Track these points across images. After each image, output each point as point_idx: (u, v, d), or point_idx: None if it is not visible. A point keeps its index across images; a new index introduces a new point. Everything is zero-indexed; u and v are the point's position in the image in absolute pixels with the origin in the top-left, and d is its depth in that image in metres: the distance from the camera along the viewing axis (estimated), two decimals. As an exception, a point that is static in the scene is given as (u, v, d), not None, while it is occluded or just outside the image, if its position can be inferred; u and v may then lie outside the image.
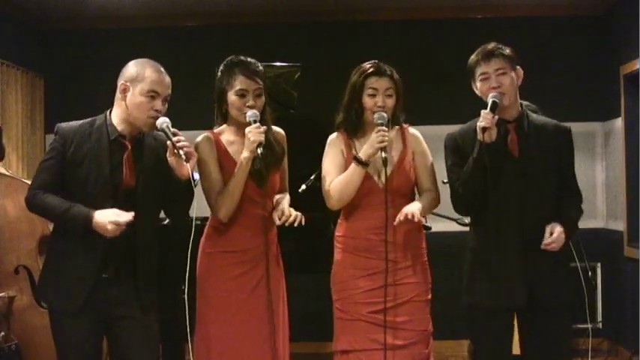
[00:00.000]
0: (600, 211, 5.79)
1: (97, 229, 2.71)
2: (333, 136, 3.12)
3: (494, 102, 2.89)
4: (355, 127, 3.08)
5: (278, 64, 4.51)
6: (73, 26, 5.98)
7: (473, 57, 3.00)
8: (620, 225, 5.55)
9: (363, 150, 2.97)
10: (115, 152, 2.83)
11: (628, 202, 5.43)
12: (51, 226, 3.61)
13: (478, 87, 2.99)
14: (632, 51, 5.17)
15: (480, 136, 2.83)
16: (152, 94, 2.81)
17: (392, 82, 3.04)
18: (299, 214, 2.96)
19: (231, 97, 2.98)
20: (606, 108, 5.78)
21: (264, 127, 2.93)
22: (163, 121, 2.81)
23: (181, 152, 2.75)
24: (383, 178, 2.99)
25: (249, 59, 3.03)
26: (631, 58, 5.26)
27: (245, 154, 2.90)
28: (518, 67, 2.99)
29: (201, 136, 3.02)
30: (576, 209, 3.02)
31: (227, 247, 3.01)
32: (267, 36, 5.92)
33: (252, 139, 2.86)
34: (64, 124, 2.89)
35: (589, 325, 4.39)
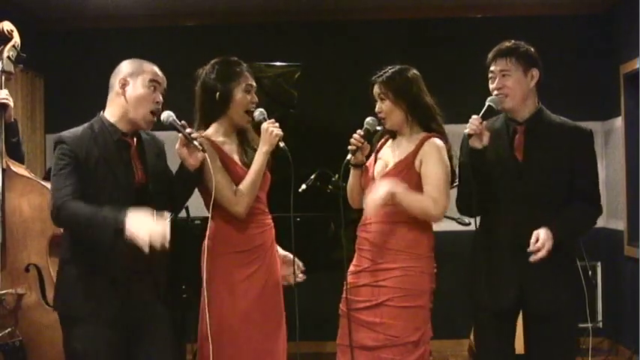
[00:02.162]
0: (600, 211, 5.79)
1: (130, 234, 2.57)
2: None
3: (488, 106, 2.88)
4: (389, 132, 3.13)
5: (278, 63, 4.51)
6: (73, 26, 5.99)
7: (489, 54, 2.98)
8: (620, 224, 5.56)
9: None
10: (121, 151, 2.83)
11: (628, 201, 5.43)
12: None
13: (489, 85, 2.97)
14: (632, 50, 5.17)
15: (469, 140, 2.85)
16: (154, 85, 2.83)
17: (379, 87, 3.04)
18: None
19: (239, 94, 2.99)
20: (606, 107, 5.79)
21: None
22: (168, 115, 2.84)
23: (195, 142, 2.79)
24: (376, 172, 3.05)
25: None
26: (631, 57, 5.27)
27: (265, 147, 2.95)
28: (534, 68, 2.92)
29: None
30: (579, 216, 2.92)
31: (239, 246, 3.01)
32: (267, 36, 5.93)
33: (274, 132, 2.93)
34: (65, 133, 2.81)
35: (589, 325, 4.39)
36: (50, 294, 3.56)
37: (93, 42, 5.89)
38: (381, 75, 3.04)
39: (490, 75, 2.95)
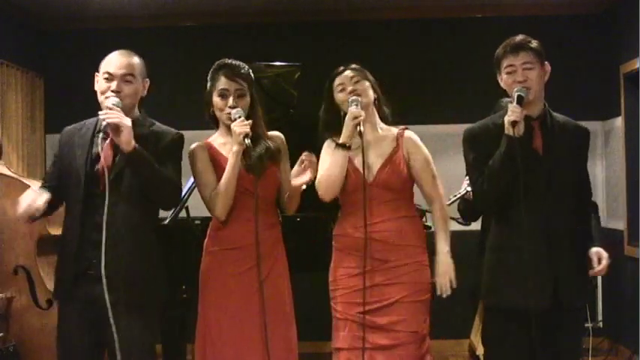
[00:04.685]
0: (600, 211, 5.75)
1: None
2: (327, 141, 3.13)
3: (519, 96, 2.82)
4: (337, 126, 3.06)
5: (278, 64, 4.50)
6: (73, 26, 5.99)
7: (500, 49, 2.93)
8: (620, 224, 5.55)
9: (342, 133, 2.98)
10: (94, 141, 2.85)
11: (628, 201, 5.43)
12: (49, 227, 3.61)
13: (503, 79, 2.92)
14: (632, 50, 5.17)
15: (509, 130, 2.77)
16: (106, 76, 2.86)
17: (354, 72, 3.08)
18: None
19: (215, 98, 3.04)
20: (606, 107, 5.79)
21: (250, 120, 2.96)
22: (109, 103, 2.80)
23: (103, 124, 2.78)
24: (371, 174, 3.01)
25: (234, 62, 3.08)
26: (631, 57, 5.26)
27: (234, 148, 2.94)
28: (546, 62, 2.93)
29: (193, 145, 3.07)
30: (597, 224, 3.05)
31: (229, 244, 3.01)
32: (267, 36, 5.92)
33: (238, 131, 2.91)
34: (66, 127, 2.97)
35: (589, 325, 4.39)
36: (41, 296, 3.53)
37: (93, 42, 5.86)
38: (354, 65, 3.11)
39: (509, 69, 2.88)
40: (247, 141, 2.90)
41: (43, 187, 2.93)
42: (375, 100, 3.10)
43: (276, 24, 5.98)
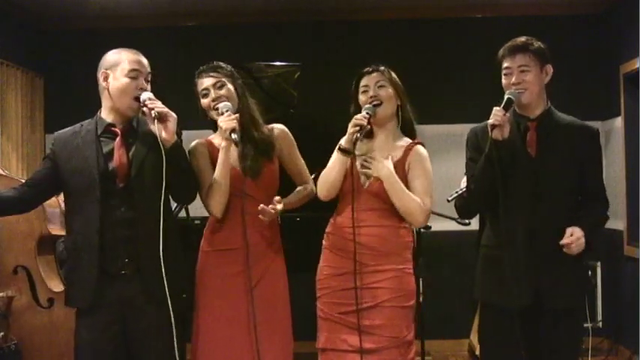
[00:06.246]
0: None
1: None
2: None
3: (508, 99, 2.84)
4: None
5: (278, 63, 4.51)
6: (73, 26, 5.99)
7: (500, 50, 2.95)
8: (620, 224, 5.55)
9: (345, 137, 2.97)
10: (107, 142, 2.84)
11: (628, 201, 5.43)
12: (50, 227, 3.62)
13: (502, 81, 2.94)
14: (632, 50, 5.17)
15: (490, 132, 2.80)
16: (134, 74, 2.83)
17: (381, 75, 3.05)
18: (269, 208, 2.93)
19: (202, 101, 3.04)
20: (606, 107, 5.79)
21: (237, 115, 2.95)
22: (146, 96, 2.81)
23: (153, 113, 2.74)
24: (368, 181, 2.99)
25: (209, 64, 3.08)
26: (631, 57, 5.27)
27: (222, 143, 2.94)
28: (548, 64, 2.94)
29: (193, 142, 3.08)
30: (596, 215, 2.96)
31: (223, 245, 3.01)
32: (267, 36, 5.93)
33: (224, 126, 2.90)
34: (58, 132, 2.93)
35: (589, 325, 4.38)
36: (42, 295, 3.54)
37: (93, 42, 5.84)
38: (383, 67, 3.07)
39: (506, 71, 2.91)
40: (234, 136, 2.88)
41: (22, 185, 2.91)
42: (398, 107, 3.07)
43: (276, 24, 5.98)
